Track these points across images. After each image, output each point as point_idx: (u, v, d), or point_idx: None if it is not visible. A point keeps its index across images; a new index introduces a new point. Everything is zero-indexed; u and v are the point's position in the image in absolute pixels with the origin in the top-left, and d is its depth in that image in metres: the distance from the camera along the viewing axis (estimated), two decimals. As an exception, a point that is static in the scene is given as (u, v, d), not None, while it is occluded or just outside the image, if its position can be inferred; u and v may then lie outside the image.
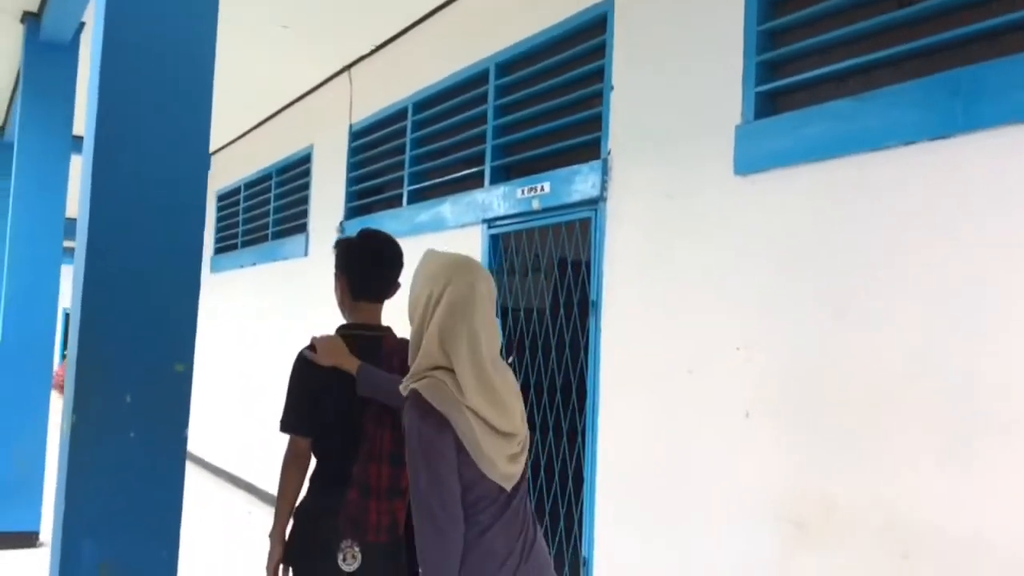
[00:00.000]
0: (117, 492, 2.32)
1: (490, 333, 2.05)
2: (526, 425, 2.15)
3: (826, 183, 2.90)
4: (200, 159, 2.50)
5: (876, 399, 2.70)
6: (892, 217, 2.70)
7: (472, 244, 4.83)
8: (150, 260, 2.39)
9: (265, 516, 6.82)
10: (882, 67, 2.84)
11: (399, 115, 5.83)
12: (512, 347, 4.59)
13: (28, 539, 5.61)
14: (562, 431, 4.14)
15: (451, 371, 2.00)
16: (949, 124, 2.52)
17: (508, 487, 2.04)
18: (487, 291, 2.06)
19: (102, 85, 2.36)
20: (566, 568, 4.17)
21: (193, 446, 9.80)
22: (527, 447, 2.14)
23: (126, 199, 2.39)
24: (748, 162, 3.17)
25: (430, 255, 2.13)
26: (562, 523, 4.11)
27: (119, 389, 2.33)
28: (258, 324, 8.23)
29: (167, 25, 2.43)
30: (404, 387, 2.07)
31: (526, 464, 2.15)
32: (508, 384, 2.09)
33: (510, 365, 4.57)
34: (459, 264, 2.08)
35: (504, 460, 2.03)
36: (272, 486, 7.11)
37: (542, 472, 4.30)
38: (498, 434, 2.01)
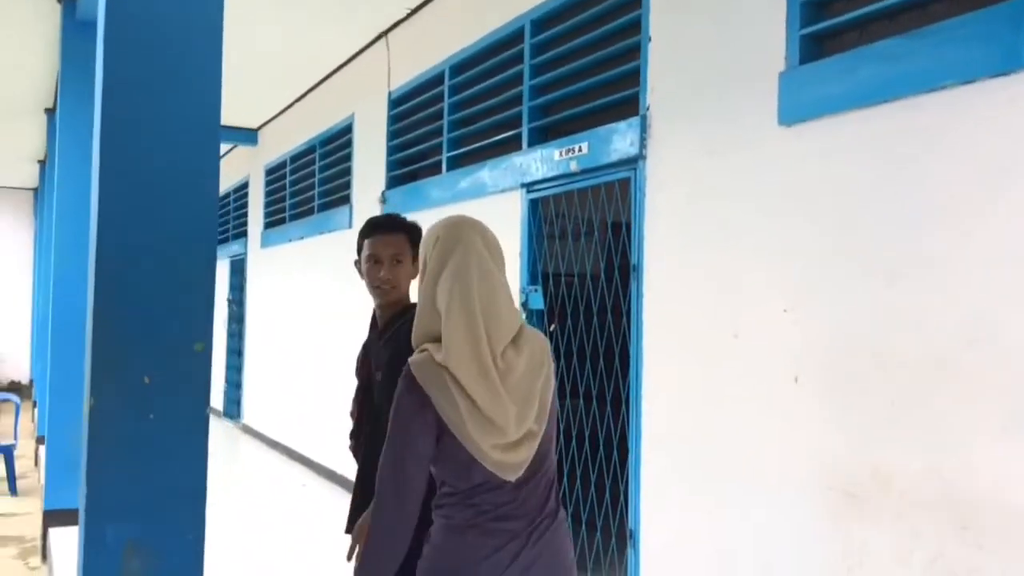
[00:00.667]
0: (139, 474, 2.27)
1: (487, 290, 1.90)
2: (536, 416, 1.94)
3: (877, 130, 2.69)
4: (211, 131, 2.41)
5: (932, 364, 2.51)
6: (949, 165, 2.49)
7: (512, 209, 4.70)
8: (164, 239, 2.32)
9: (319, 488, 6.87)
10: (936, 0, 2.61)
11: (436, 80, 5.71)
12: (553, 314, 4.47)
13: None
14: (606, 399, 4.02)
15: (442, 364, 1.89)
16: (1013, 59, 2.29)
17: (509, 477, 1.89)
18: (481, 243, 1.94)
19: (106, 62, 2.28)
20: (613, 540, 4.07)
21: (250, 420, 9.96)
22: (534, 437, 1.94)
23: (136, 178, 2.31)
24: (793, 111, 2.97)
25: (430, 226, 2.07)
26: (608, 495, 4.00)
27: (137, 371, 2.27)
28: (307, 297, 8.24)
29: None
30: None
31: (544, 452, 1.97)
32: (518, 364, 1.91)
33: (551, 333, 4.47)
34: (450, 221, 2.00)
35: (493, 449, 1.87)
36: (326, 458, 7.16)
37: (587, 443, 4.19)
38: (486, 418, 1.86)
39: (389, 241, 2.58)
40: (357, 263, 2.69)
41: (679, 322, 3.50)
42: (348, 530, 2.60)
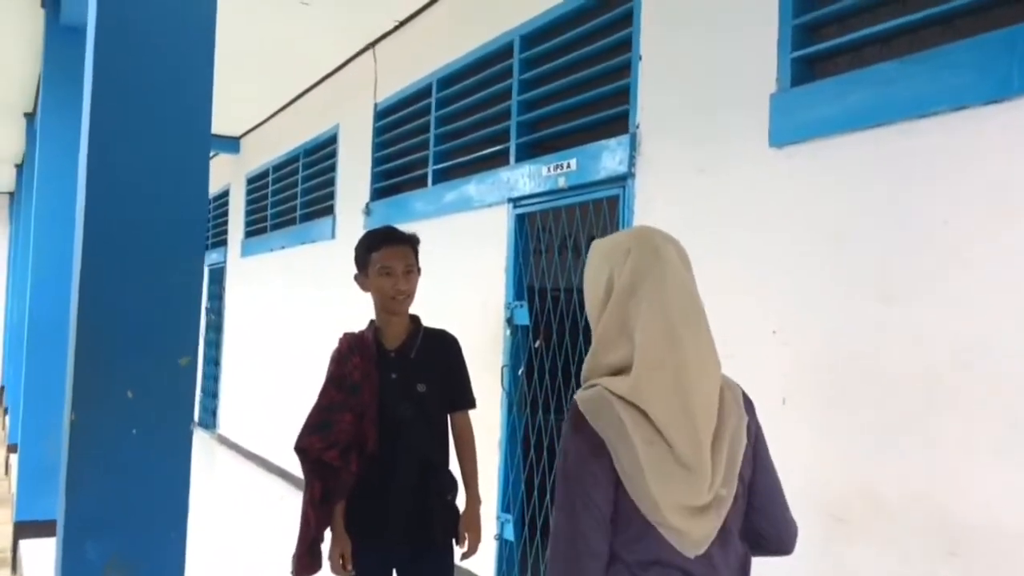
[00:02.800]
0: (120, 490, 2.23)
1: (691, 309, 1.55)
2: (724, 478, 1.54)
3: (868, 154, 2.70)
4: (201, 142, 2.39)
5: (923, 387, 2.52)
6: (942, 188, 2.50)
7: (498, 223, 4.69)
8: (150, 251, 2.28)
9: (297, 501, 6.80)
10: (930, 26, 2.62)
11: (423, 92, 5.69)
12: (539, 330, 4.45)
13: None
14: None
15: (623, 398, 1.52)
16: (1005, 86, 2.31)
17: (691, 553, 1.50)
18: (677, 257, 1.61)
19: (96, 67, 2.25)
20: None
21: (226, 431, 9.85)
22: (722, 505, 1.54)
23: (124, 188, 2.28)
24: (784, 133, 2.97)
25: (598, 242, 1.72)
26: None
27: (120, 385, 2.23)
28: (288, 307, 8.18)
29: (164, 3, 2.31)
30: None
31: (730, 528, 1.57)
32: (713, 397, 1.55)
33: (536, 349, 4.45)
34: (640, 232, 1.67)
35: (678, 511, 1.48)
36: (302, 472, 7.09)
37: (558, 458, 4.16)
38: (680, 466, 1.48)
39: (401, 253, 2.63)
40: (358, 277, 2.69)
41: (666, 341, 3.49)
42: (302, 568, 2.59)
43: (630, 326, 1.55)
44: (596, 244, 1.71)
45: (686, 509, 1.49)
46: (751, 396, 2.92)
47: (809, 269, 2.89)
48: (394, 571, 2.69)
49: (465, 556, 2.70)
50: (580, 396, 1.57)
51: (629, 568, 1.51)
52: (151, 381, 2.25)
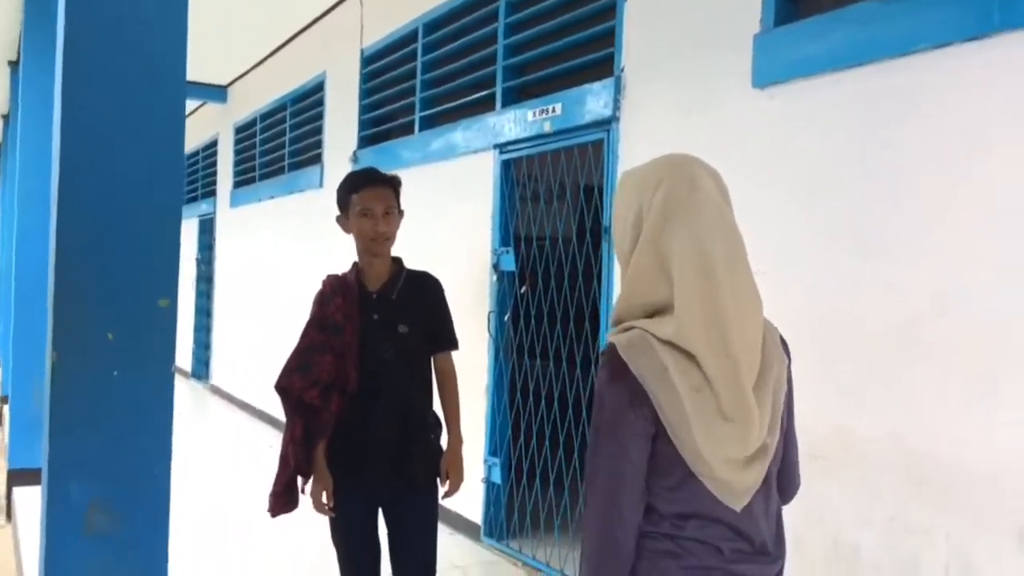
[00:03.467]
0: (103, 431, 2.24)
1: (730, 244, 1.43)
2: (769, 426, 1.45)
3: (850, 93, 2.69)
4: (177, 83, 2.36)
5: (899, 333, 2.54)
6: (921, 130, 2.50)
7: (484, 170, 4.67)
8: (126, 193, 2.27)
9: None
10: (913, -36, 2.59)
11: (410, 38, 5.62)
12: (524, 276, 4.46)
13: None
14: (576, 361, 4.03)
15: (667, 342, 1.41)
16: (985, 23, 2.29)
17: (736, 505, 1.43)
18: (715, 188, 1.48)
19: (68, 12, 2.21)
20: (581, 498, 4.11)
21: (219, 380, 9.90)
22: (766, 454, 1.46)
23: (99, 130, 2.25)
24: (767, 73, 2.95)
25: (629, 171, 1.58)
26: (576, 453, 4.03)
27: (100, 326, 2.23)
28: (277, 257, 8.17)
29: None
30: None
31: (771, 476, 1.51)
32: (756, 339, 1.44)
33: (522, 295, 4.47)
34: (673, 160, 1.52)
35: (725, 463, 1.40)
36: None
37: (556, 404, 4.20)
38: (727, 416, 1.39)
39: (380, 194, 2.62)
40: (340, 219, 2.68)
41: (650, 285, 3.51)
42: (278, 506, 2.62)
43: (666, 261, 1.42)
44: (625, 175, 1.58)
45: (732, 461, 1.41)
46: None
47: (790, 212, 2.90)
48: (379, 510, 2.73)
49: (447, 495, 2.74)
50: (618, 339, 1.45)
51: (666, 519, 1.44)
52: (131, 323, 2.25)
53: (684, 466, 1.41)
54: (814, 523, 2.76)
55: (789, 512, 2.80)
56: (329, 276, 2.73)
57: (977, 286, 2.35)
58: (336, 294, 2.65)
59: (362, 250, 2.65)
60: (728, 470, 1.41)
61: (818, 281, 2.80)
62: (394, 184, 2.68)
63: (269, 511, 2.64)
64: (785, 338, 1.63)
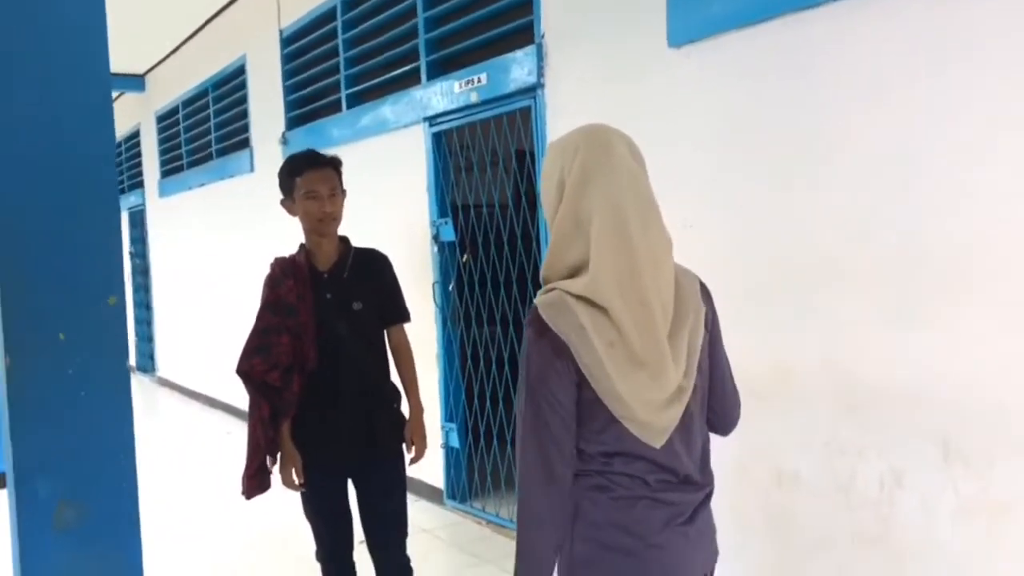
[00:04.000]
0: (64, 429, 2.27)
1: (642, 204, 1.54)
2: (685, 369, 1.57)
3: (759, 48, 2.83)
4: (101, 73, 2.34)
5: (823, 265, 2.71)
6: (827, 78, 2.64)
7: (416, 143, 4.72)
8: (62, 193, 2.27)
9: (244, 434, 6.87)
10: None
11: (328, 15, 5.60)
12: (465, 245, 4.55)
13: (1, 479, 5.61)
14: (522, 324, 4.14)
15: (582, 297, 1.51)
16: (879, -26, 2.43)
17: (656, 443, 1.54)
18: (628, 153, 1.58)
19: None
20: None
21: (166, 372, 9.81)
22: (683, 395, 1.57)
23: (27, 130, 2.25)
24: (681, 33, 3.07)
25: (552, 142, 1.69)
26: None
27: (51, 327, 2.25)
28: (213, 243, 8.10)
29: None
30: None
31: (691, 415, 1.61)
32: (668, 288, 1.56)
33: (464, 264, 4.56)
34: (590, 128, 1.63)
35: (643, 405, 1.52)
36: (246, 405, 7.16)
37: (506, 366, 4.32)
38: (642, 363, 1.50)
39: (324, 176, 2.67)
40: (285, 202, 2.73)
41: (586, 244, 3.62)
42: (253, 488, 2.70)
43: (585, 221, 1.52)
44: (550, 145, 1.68)
45: (651, 403, 1.52)
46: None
47: (715, 164, 3.03)
48: (349, 481, 2.81)
49: (414, 461, 2.84)
50: (540, 301, 1.56)
51: (595, 459, 1.56)
52: (81, 322, 2.28)
53: (607, 410, 1.52)
54: (758, 455, 2.94)
55: (734, 446, 2.98)
56: (277, 259, 2.78)
57: (892, 214, 2.51)
58: (287, 276, 2.70)
59: (310, 231, 2.71)
60: (647, 412, 1.52)
61: (744, 226, 2.94)
62: (336, 165, 2.73)
63: (244, 494, 2.71)
64: (706, 284, 1.74)
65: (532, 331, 1.54)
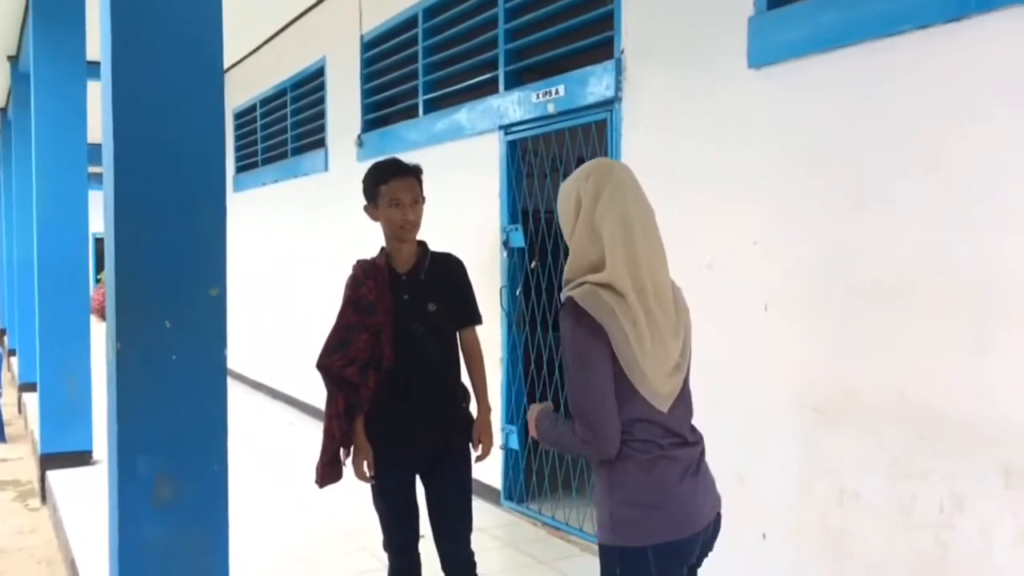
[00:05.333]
0: (165, 411, 2.43)
1: (643, 215, 1.94)
2: (681, 349, 1.98)
3: (840, 72, 2.88)
4: (214, 73, 2.50)
5: (892, 289, 2.75)
6: (906, 104, 2.69)
7: (490, 150, 4.84)
8: (177, 189, 2.44)
9: (305, 425, 7.08)
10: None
11: (410, 23, 5.76)
12: (534, 251, 4.65)
13: (83, 458, 5.88)
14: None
15: (606, 285, 1.88)
16: (963, 5, 2.48)
17: (663, 407, 1.92)
18: (630, 178, 1.99)
19: (113, 6, 2.36)
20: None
21: (233, 363, 10.09)
22: (681, 370, 1.97)
23: (146, 122, 2.40)
24: (761, 54, 3.14)
25: (565, 180, 2.10)
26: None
27: (158, 315, 2.42)
28: (283, 240, 8.34)
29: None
30: (563, 295, 2.01)
31: (687, 390, 2.01)
32: (665, 281, 1.96)
33: (532, 270, 4.66)
34: (598, 161, 2.05)
35: (660, 374, 1.90)
36: (310, 397, 7.36)
37: (557, 371, 4.40)
38: (658, 338, 1.89)
39: (408, 184, 2.80)
40: (368, 208, 2.85)
41: (656, 256, 3.70)
42: (326, 477, 2.83)
43: (598, 228, 1.91)
44: (564, 181, 2.08)
45: (662, 372, 1.90)
46: (735, 302, 3.16)
47: (787, 183, 3.09)
48: (417, 477, 2.93)
49: (479, 459, 2.95)
50: (573, 293, 1.91)
51: (621, 424, 1.91)
52: (186, 311, 2.45)
53: (628, 382, 1.88)
54: (821, 473, 2.99)
55: (796, 462, 3.02)
56: (359, 261, 2.92)
57: (967, 242, 2.55)
58: (368, 277, 2.83)
59: (391, 236, 2.84)
60: (658, 380, 1.90)
61: (819, 245, 3.00)
62: (418, 174, 2.86)
63: (317, 482, 2.84)
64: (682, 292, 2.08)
65: (571, 319, 1.89)
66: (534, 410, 2.17)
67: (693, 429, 2.04)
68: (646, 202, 1.98)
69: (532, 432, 2.14)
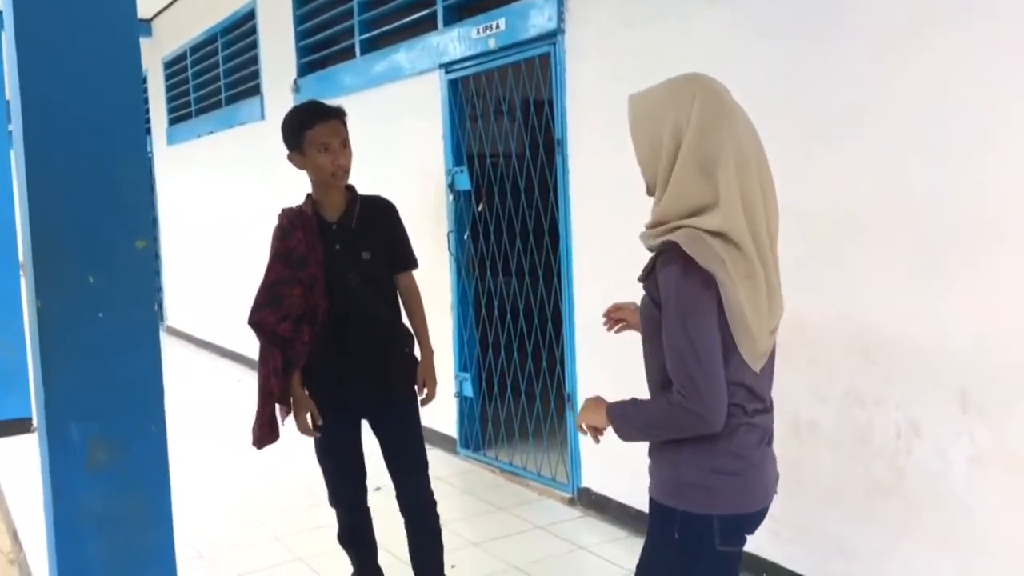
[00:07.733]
0: (95, 371, 2.30)
1: (758, 146, 1.69)
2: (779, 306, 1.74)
3: (790, -5, 2.79)
4: (129, 18, 2.35)
5: (844, 219, 2.70)
6: (855, 25, 2.61)
7: (431, 91, 4.68)
8: (91, 136, 2.27)
9: (254, 381, 6.92)
10: None
11: (342, -41, 5.52)
12: (480, 194, 4.54)
13: (23, 425, 5.67)
14: (538, 275, 4.15)
15: (716, 233, 1.60)
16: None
17: (757, 366, 1.70)
18: (737, 103, 1.69)
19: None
20: (552, 405, 4.30)
21: (175, 321, 9.85)
22: (775, 329, 1.75)
23: (57, 74, 2.24)
24: (708, -21, 3.02)
25: (643, 93, 1.75)
26: (544, 363, 4.19)
27: (80, 270, 2.27)
28: (222, 192, 8.08)
29: None
30: (647, 239, 1.72)
31: (774, 348, 1.79)
32: (777, 227, 1.73)
33: (479, 213, 4.55)
34: (697, 76, 1.72)
35: (765, 334, 1.68)
36: (255, 353, 7.20)
37: (521, 317, 4.34)
38: (767, 294, 1.65)
39: (335, 128, 2.65)
40: (292, 156, 2.71)
41: (607, 196, 3.61)
42: (263, 438, 2.73)
43: (711, 164, 1.61)
44: (642, 97, 1.75)
45: (764, 331, 1.67)
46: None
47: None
48: (367, 431, 2.84)
49: (425, 402, 2.87)
50: (677, 237, 1.62)
51: None
52: (110, 265, 2.29)
53: (730, 341, 1.64)
54: (776, 405, 2.96)
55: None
56: (285, 210, 2.77)
57: (914, 170, 2.51)
58: (295, 227, 2.69)
59: (320, 183, 2.69)
60: (765, 339, 1.68)
61: (773, 174, 2.93)
62: (342, 116, 2.70)
63: (254, 444, 2.74)
64: None
65: (678, 267, 1.62)
66: (589, 405, 1.88)
67: (770, 398, 1.84)
68: (757, 133, 1.71)
69: (596, 424, 1.86)
